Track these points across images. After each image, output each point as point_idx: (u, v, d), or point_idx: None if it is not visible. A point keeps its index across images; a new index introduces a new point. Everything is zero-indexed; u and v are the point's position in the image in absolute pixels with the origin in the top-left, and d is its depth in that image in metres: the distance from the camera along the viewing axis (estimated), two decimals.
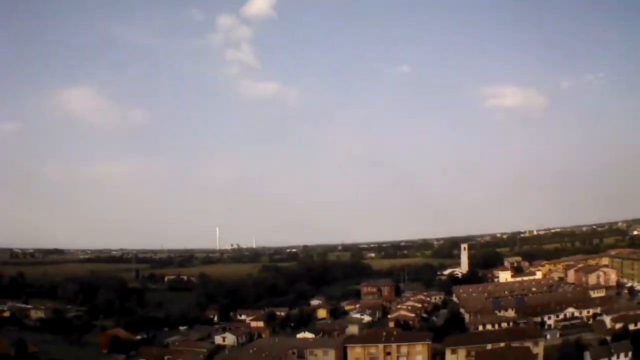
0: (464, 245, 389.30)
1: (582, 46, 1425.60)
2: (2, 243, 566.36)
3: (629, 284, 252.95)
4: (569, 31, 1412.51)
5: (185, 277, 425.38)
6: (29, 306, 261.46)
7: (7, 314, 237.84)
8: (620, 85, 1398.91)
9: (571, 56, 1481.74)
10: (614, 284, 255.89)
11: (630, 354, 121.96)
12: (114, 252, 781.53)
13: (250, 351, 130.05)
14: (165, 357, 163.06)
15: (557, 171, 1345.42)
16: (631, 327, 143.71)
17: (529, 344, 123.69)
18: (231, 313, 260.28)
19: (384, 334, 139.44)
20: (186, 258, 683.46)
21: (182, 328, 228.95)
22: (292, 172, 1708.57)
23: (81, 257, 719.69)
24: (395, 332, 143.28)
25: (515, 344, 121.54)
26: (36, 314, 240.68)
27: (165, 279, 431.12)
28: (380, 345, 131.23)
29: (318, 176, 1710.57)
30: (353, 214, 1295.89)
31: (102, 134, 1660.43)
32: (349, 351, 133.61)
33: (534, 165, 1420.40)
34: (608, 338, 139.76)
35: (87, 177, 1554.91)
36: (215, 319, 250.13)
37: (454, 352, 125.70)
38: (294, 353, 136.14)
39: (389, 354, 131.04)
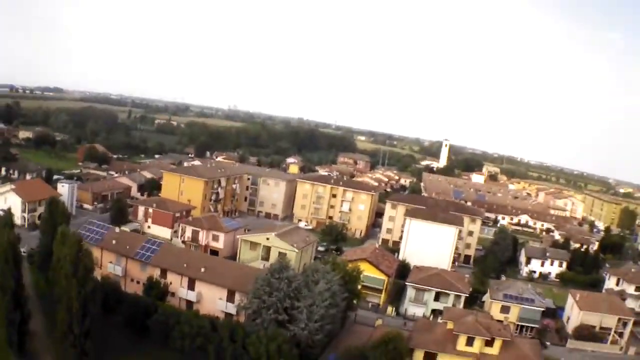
0: (446, 142, 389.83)
1: None
2: (5, 79, 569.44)
3: (593, 220, 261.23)
4: None
5: (175, 123, 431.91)
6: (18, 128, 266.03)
7: None
8: None
9: None
10: (580, 216, 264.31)
11: (564, 264, 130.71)
12: (112, 96, 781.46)
13: (208, 165, 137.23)
14: (133, 171, 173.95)
15: (571, 110, 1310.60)
16: (576, 245, 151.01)
17: (466, 218, 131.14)
18: (208, 153, 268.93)
19: (334, 178, 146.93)
20: (181, 109, 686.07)
21: (157, 156, 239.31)
22: (305, 42, 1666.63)
23: (79, 97, 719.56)
24: (345, 179, 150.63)
25: (454, 214, 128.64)
26: (24, 134, 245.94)
27: (156, 122, 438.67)
28: (328, 186, 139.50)
29: (330, 54, 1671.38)
30: (355, 100, 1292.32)
31: None
32: (298, 186, 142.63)
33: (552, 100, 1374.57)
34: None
35: (100, 21, 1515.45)
36: (192, 155, 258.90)
37: (394, 206, 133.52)
38: (249, 179, 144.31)
39: (334, 196, 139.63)
